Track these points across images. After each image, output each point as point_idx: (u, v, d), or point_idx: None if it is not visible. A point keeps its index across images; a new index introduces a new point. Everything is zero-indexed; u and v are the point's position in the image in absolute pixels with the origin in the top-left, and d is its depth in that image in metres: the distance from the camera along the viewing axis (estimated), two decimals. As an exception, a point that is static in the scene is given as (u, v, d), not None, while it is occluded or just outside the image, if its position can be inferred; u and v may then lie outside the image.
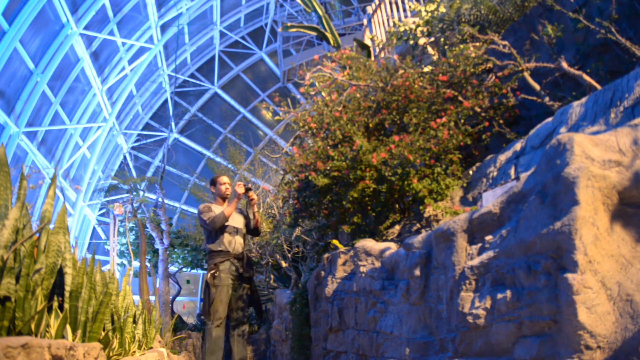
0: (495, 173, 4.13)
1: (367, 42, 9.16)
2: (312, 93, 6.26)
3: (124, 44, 16.55)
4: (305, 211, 5.44)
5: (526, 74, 4.34)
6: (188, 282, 18.85)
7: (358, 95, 5.60)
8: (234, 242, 4.77)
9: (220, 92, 22.40)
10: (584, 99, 3.25)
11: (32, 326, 2.17)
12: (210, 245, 4.78)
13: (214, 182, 5.03)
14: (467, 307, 2.56)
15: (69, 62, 14.58)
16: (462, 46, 4.95)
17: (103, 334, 3.09)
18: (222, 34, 21.38)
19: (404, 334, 3.31)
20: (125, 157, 19.97)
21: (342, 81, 5.72)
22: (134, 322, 4.17)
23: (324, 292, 4.79)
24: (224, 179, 5.01)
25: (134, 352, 3.96)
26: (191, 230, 13.94)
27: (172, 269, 13.90)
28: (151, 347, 4.72)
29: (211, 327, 4.62)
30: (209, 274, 4.68)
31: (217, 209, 4.80)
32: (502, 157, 4.09)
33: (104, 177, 17.98)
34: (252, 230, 5.01)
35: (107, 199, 15.64)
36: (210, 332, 4.62)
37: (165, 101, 21.05)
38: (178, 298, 14.87)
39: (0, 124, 12.25)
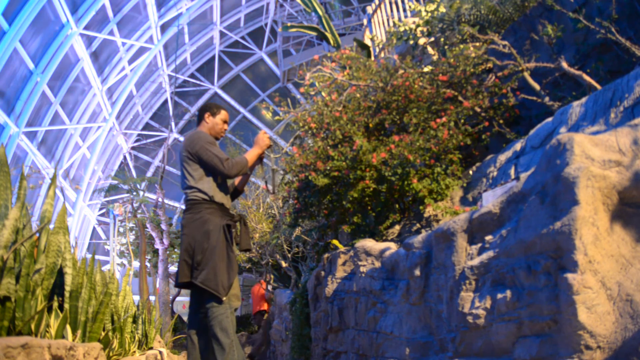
0: (495, 173, 4.12)
1: (367, 42, 9.16)
2: (312, 93, 6.26)
3: (124, 44, 16.56)
4: (305, 211, 5.43)
5: (526, 74, 4.34)
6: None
7: (358, 95, 5.59)
8: (228, 203, 3.55)
9: (220, 92, 22.40)
10: (584, 99, 3.25)
11: (32, 326, 2.17)
12: (207, 190, 3.33)
13: (213, 112, 3.57)
14: (467, 307, 2.56)
15: (69, 62, 14.59)
16: (462, 46, 4.95)
17: (103, 334, 3.09)
18: (222, 34, 21.39)
19: (404, 334, 3.31)
20: (125, 157, 19.98)
21: (342, 81, 5.71)
22: (134, 322, 4.17)
23: (323, 292, 4.78)
24: (226, 115, 3.64)
25: (134, 352, 3.96)
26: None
27: (172, 269, 13.89)
28: (151, 347, 4.72)
29: (227, 312, 3.17)
30: (219, 225, 3.24)
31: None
32: (502, 157, 4.09)
33: (104, 177, 17.98)
34: (235, 192, 3.78)
35: (107, 199, 15.64)
36: (227, 323, 3.13)
37: (165, 101, 21.06)
38: (178, 298, 14.85)
39: (0, 124, 12.24)
